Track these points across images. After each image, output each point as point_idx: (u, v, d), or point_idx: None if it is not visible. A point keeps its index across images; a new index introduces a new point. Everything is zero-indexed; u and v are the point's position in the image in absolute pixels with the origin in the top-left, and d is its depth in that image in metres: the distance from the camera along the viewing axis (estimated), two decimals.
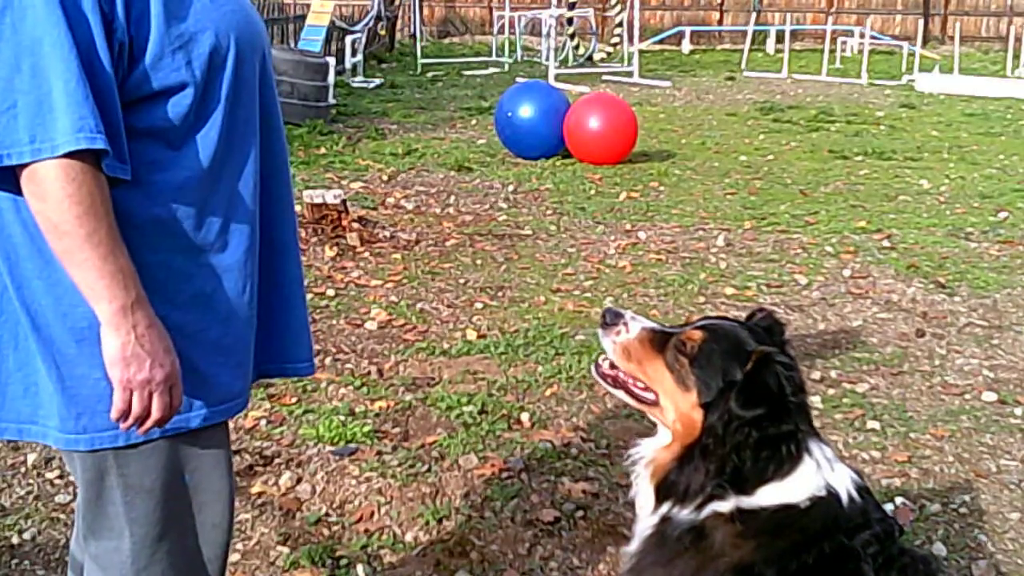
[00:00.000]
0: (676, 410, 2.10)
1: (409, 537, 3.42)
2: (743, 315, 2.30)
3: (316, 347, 4.88)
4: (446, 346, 5.11)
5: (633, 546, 2.17)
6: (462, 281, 6.19)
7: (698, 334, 2.11)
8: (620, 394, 2.22)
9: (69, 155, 1.61)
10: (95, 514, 1.94)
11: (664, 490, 2.09)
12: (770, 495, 1.99)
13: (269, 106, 2.01)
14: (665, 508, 2.08)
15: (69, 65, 1.61)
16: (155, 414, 1.78)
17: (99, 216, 1.65)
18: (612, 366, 2.21)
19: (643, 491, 2.15)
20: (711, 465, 2.02)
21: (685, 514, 2.03)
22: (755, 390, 2.00)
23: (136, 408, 1.75)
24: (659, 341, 2.15)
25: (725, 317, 2.29)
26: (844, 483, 2.03)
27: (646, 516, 2.14)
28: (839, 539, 1.98)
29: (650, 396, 2.16)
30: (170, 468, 1.93)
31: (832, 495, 2.01)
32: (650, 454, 2.16)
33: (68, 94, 1.61)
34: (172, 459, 1.92)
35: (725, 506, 1.99)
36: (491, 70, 19.25)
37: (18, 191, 1.68)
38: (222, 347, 1.92)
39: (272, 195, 2.05)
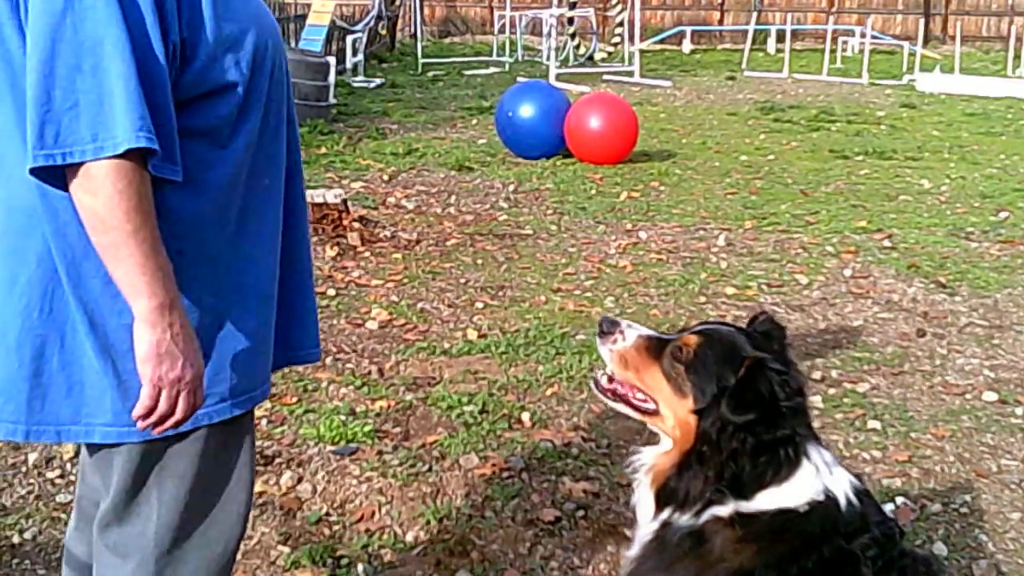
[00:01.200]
0: (675, 416, 2.12)
1: (410, 537, 3.42)
2: (744, 315, 2.33)
3: None
4: (447, 346, 5.11)
5: (633, 551, 2.18)
6: (463, 281, 6.19)
7: (694, 339, 2.14)
8: (621, 407, 2.25)
9: (123, 154, 1.64)
10: (127, 502, 1.95)
11: (664, 496, 2.11)
12: (769, 500, 2.00)
13: (288, 100, 2.07)
14: (665, 514, 2.09)
15: (129, 66, 1.64)
16: (178, 414, 1.79)
17: (145, 214, 1.68)
18: (611, 380, 2.24)
19: (643, 497, 2.17)
20: (710, 471, 2.03)
21: (685, 519, 2.05)
22: (746, 396, 2.01)
23: (162, 406, 1.77)
24: (656, 348, 2.18)
25: (723, 321, 2.30)
26: (843, 487, 2.04)
27: (646, 522, 2.15)
28: (838, 543, 1.99)
29: (650, 406, 2.18)
30: (205, 456, 1.96)
31: (831, 499, 2.02)
32: (650, 461, 2.18)
33: (128, 94, 1.63)
34: (209, 447, 1.95)
35: (724, 510, 2.01)
36: (492, 70, 19.25)
37: (62, 186, 1.69)
38: (257, 335, 1.97)
39: (288, 186, 2.09)
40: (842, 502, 2.02)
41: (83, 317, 1.79)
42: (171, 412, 1.79)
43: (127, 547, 1.98)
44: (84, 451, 2.22)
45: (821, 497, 2.01)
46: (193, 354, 1.78)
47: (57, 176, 1.68)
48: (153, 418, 1.78)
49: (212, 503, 2.01)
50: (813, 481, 2.02)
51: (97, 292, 1.78)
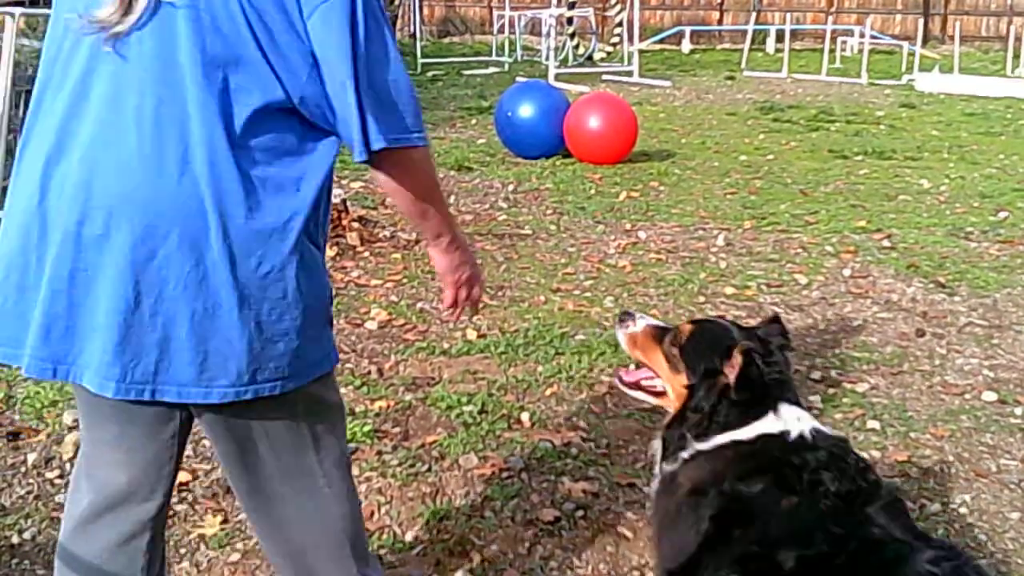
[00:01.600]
0: (674, 391, 2.60)
1: (409, 536, 3.42)
2: (744, 314, 2.45)
3: None
4: (446, 346, 5.11)
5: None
6: None
7: (688, 327, 2.63)
8: (639, 394, 2.76)
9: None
10: (293, 445, 2.15)
11: (662, 454, 2.57)
12: (723, 438, 2.40)
13: None
14: (661, 468, 2.53)
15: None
16: (474, 296, 2.42)
17: (439, 184, 2.23)
18: (628, 373, 2.79)
19: (656, 461, 2.61)
20: (686, 424, 2.48)
21: (668, 467, 2.48)
22: (743, 382, 2.40)
23: (461, 296, 2.39)
24: (659, 334, 2.70)
25: (723, 317, 2.64)
26: (801, 428, 2.37)
27: (654, 481, 2.59)
28: (778, 457, 2.32)
29: (660, 389, 2.66)
30: (327, 393, 2.21)
31: (782, 433, 2.37)
32: (660, 432, 2.64)
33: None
34: (329, 385, 2.21)
35: (688, 452, 2.44)
36: (491, 70, 19.25)
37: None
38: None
39: None
40: (793, 435, 2.36)
41: (233, 295, 1.93)
42: (467, 297, 2.40)
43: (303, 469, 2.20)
44: (90, 454, 2.23)
45: (773, 432, 2.37)
46: (472, 261, 2.38)
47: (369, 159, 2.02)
48: (458, 308, 2.41)
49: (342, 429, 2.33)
50: (770, 424, 2.38)
51: (255, 277, 1.94)
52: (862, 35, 20.17)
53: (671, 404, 2.60)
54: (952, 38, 20.58)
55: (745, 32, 21.98)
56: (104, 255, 1.91)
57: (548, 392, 4.57)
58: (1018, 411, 4.45)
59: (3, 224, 2.03)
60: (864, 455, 4.00)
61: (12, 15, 6.30)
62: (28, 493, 3.66)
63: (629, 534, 3.45)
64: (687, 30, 24.21)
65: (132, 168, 1.89)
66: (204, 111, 1.87)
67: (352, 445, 4.01)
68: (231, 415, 2.04)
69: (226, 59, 1.88)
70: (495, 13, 23.76)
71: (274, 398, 2.01)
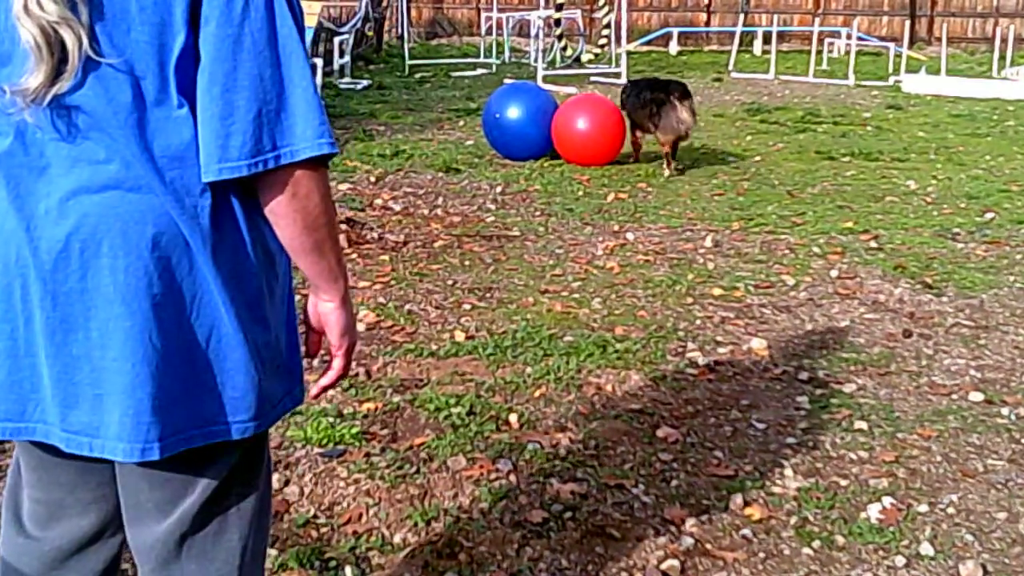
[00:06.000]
0: None
1: (397, 539, 3.42)
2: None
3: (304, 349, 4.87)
4: (434, 347, 5.10)
5: None
6: (450, 282, 6.18)
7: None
8: None
9: (323, 157, 1.77)
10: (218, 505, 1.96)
11: None
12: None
13: None
14: None
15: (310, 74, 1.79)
16: (347, 373, 2.03)
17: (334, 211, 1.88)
18: None
19: None
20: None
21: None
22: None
23: (347, 370, 2.01)
24: None
25: None
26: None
27: None
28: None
29: None
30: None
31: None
32: None
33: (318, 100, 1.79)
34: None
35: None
36: (479, 71, 19.25)
37: (248, 195, 1.79)
38: None
39: None
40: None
41: (235, 325, 1.84)
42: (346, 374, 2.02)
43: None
44: (36, 457, 2.02)
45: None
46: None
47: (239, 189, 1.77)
48: (334, 385, 2.02)
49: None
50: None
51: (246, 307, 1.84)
52: (849, 37, 20.22)
53: None
54: (939, 40, 20.66)
55: (732, 34, 22.01)
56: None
57: (536, 393, 4.56)
58: (1005, 411, 4.46)
59: None
60: (852, 456, 4.03)
61: None
62: None
63: (617, 535, 3.45)
64: (675, 32, 24.21)
65: None
66: None
67: (340, 447, 4.00)
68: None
69: None
70: (483, 15, 23.75)
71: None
